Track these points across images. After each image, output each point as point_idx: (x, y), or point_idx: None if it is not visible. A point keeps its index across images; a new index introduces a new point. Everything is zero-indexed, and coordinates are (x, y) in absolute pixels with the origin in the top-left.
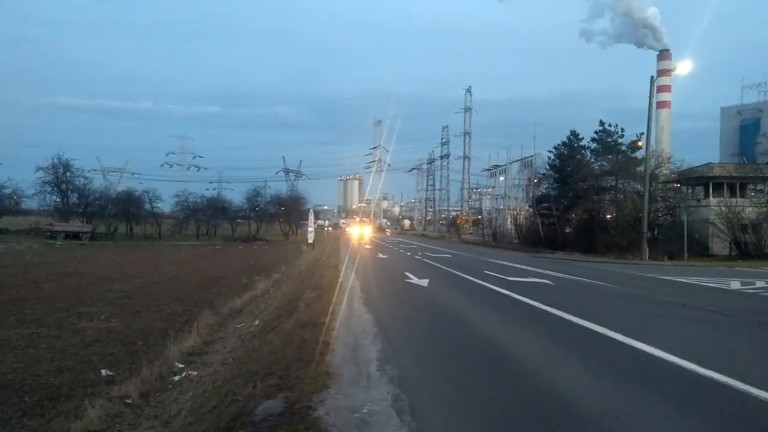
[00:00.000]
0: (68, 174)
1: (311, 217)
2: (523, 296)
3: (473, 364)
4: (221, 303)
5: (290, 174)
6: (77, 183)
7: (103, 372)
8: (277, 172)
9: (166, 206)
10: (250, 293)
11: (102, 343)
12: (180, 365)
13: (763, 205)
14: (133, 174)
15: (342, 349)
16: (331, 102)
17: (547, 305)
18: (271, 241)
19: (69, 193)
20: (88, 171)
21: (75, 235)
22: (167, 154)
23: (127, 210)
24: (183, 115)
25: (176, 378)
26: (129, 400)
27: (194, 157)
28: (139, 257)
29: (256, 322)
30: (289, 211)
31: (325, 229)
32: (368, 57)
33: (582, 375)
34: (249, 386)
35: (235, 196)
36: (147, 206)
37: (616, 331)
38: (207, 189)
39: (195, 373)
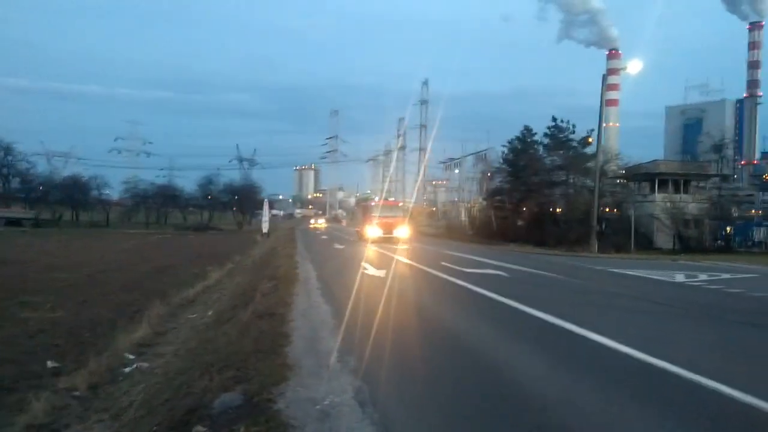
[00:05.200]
0: (9, 158)
1: (266, 206)
2: (480, 288)
3: (433, 354)
4: (172, 293)
5: (244, 162)
6: (19, 167)
7: (49, 363)
8: (231, 161)
9: (114, 193)
10: (202, 283)
11: (47, 333)
12: (130, 357)
13: (704, 201)
14: (79, 159)
15: (301, 341)
16: (286, 90)
17: (503, 296)
18: (224, 231)
19: (10, 177)
20: (31, 155)
21: (16, 222)
22: (116, 140)
23: (72, 196)
24: (133, 99)
25: (126, 370)
26: (76, 393)
27: (144, 143)
28: (85, 245)
29: (210, 313)
30: (242, 200)
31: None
32: (325, 46)
33: (540, 365)
34: (205, 378)
35: (187, 184)
36: (94, 193)
37: (571, 322)
38: (157, 176)
39: (146, 364)
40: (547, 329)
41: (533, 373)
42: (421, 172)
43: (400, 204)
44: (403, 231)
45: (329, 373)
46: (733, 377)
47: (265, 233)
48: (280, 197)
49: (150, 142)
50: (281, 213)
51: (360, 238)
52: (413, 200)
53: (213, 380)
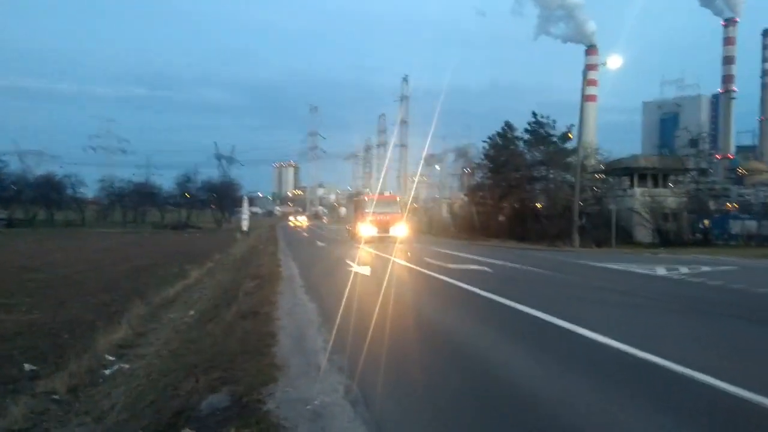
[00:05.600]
0: None
1: (245, 203)
2: (465, 283)
3: (423, 351)
4: (152, 293)
5: (222, 160)
6: None
7: (27, 367)
8: (209, 158)
9: (89, 192)
10: (182, 282)
11: (24, 336)
12: (110, 358)
13: (683, 195)
14: (53, 157)
15: (288, 340)
16: (265, 86)
17: (489, 292)
18: (203, 229)
19: None
20: (3, 154)
21: None
22: (91, 137)
23: (47, 195)
24: (107, 96)
25: (107, 372)
26: (56, 396)
27: (120, 141)
28: (61, 245)
29: (191, 313)
30: (221, 197)
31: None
32: (304, 41)
33: (530, 361)
34: (190, 380)
35: (165, 182)
36: (69, 192)
37: (557, 317)
38: (134, 174)
39: (128, 366)
40: (535, 324)
41: (523, 367)
42: (403, 169)
43: (398, 199)
44: (401, 229)
45: (318, 373)
46: (718, 369)
47: (245, 231)
48: (260, 195)
49: (126, 140)
50: (261, 211)
51: (352, 237)
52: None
53: (199, 381)
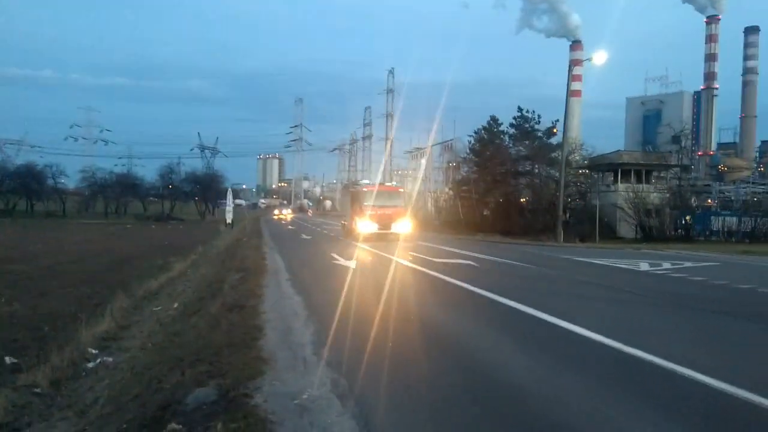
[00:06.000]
0: None
1: (229, 195)
2: (451, 278)
3: (411, 344)
4: (135, 285)
5: (206, 151)
6: None
7: (7, 359)
8: (192, 149)
9: (70, 182)
10: (166, 275)
11: (4, 328)
12: (93, 351)
13: (665, 191)
14: (33, 147)
15: (274, 333)
16: (250, 78)
17: (475, 286)
18: (186, 221)
19: None
20: None
21: None
22: (71, 127)
23: (27, 185)
24: (89, 85)
25: (90, 365)
26: (38, 390)
27: (102, 131)
28: (42, 236)
29: (176, 305)
30: (205, 189)
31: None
32: (289, 33)
33: (517, 353)
34: (176, 373)
35: (147, 173)
36: (50, 182)
37: (542, 311)
38: (116, 165)
39: (111, 359)
40: (520, 319)
41: (508, 360)
42: (388, 162)
43: (401, 190)
44: (405, 225)
45: (305, 366)
46: (702, 364)
47: (229, 223)
48: (244, 187)
49: (108, 130)
50: (245, 203)
51: (347, 234)
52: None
53: (185, 375)
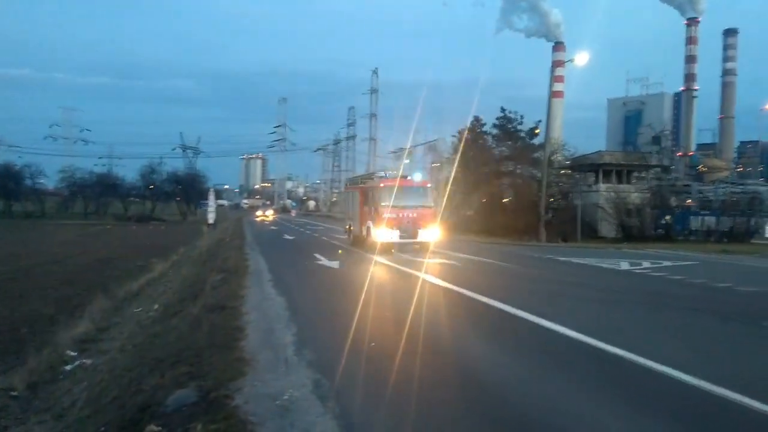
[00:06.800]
0: None
1: (211, 196)
2: (435, 277)
3: (391, 343)
4: (115, 286)
5: (188, 151)
6: None
7: None
8: (174, 149)
9: (50, 182)
10: (146, 276)
11: None
12: (72, 353)
13: (645, 191)
14: (11, 147)
15: (256, 334)
16: (233, 78)
17: (458, 286)
18: (168, 221)
19: None
20: None
21: None
22: (51, 126)
23: (5, 186)
24: (69, 84)
25: (68, 367)
26: (14, 393)
27: (82, 131)
28: (20, 237)
29: (156, 307)
30: (187, 189)
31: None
32: (273, 33)
33: (497, 352)
34: (155, 375)
35: (128, 173)
36: (28, 182)
37: (525, 310)
38: (96, 165)
39: (90, 361)
40: (503, 318)
41: (491, 358)
42: (372, 162)
43: (429, 185)
44: (433, 232)
45: (287, 367)
46: (680, 361)
47: (211, 224)
48: (227, 187)
49: (88, 130)
50: (227, 203)
51: (354, 242)
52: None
53: (165, 377)
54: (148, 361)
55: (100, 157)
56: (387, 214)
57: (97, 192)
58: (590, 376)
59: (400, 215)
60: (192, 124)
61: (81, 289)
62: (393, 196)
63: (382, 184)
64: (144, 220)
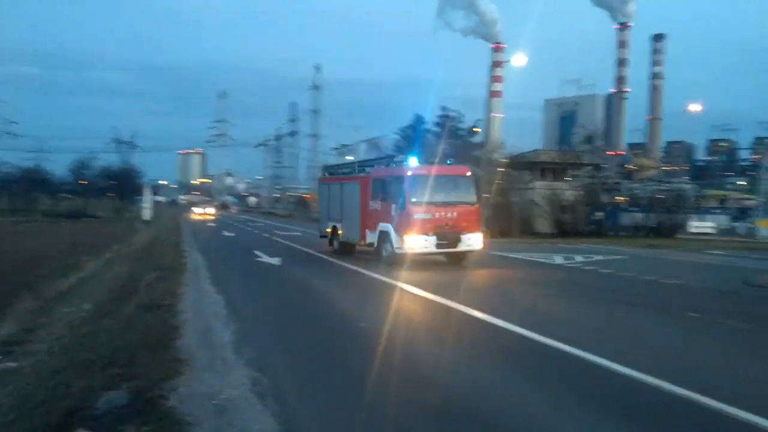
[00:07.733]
0: None
1: (147, 192)
2: (374, 273)
3: (329, 339)
4: (44, 286)
5: (122, 145)
6: None
7: None
8: (108, 143)
9: None
10: (77, 275)
11: None
12: None
13: (579, 188)
14: None
15: (193, 333)
16: (171, 71)
17: (395, 280)
18: (101, 218)
19: None
20: None
21: None
22: None
23: None
24: None
25: None
26: None
27: (8, 123)
28: None
29: (87, 306)
30: (121, 185)
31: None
32: (214, 27)
33: (446, 350)
34: (85, 377)
35: (58, 168)
36: None
37: (455, 301)
38: (23, 159)
39: (14, 364)
40: (441, 311)
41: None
42: (314, 159)
43: (469, 174)
44: (477, 237)
45: (225, 366)
46: (609, 350)
47: (147, 221)
48: (164, 183)
49: (14, 122)
50: (165, 199)
51: (346, 251)
52: (309, 187)
53: (95, 379)
54: (78, 363)
55: (29, 152)
56: (420, 215)
57: (25, 187)
58: (527, 367)
59: (438, 214)
60: (128, 118)
61: (6, 289)
62: (428, 189)
63: (410, 173)
64: (76, 217)
